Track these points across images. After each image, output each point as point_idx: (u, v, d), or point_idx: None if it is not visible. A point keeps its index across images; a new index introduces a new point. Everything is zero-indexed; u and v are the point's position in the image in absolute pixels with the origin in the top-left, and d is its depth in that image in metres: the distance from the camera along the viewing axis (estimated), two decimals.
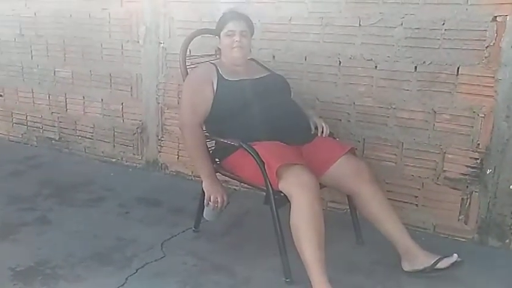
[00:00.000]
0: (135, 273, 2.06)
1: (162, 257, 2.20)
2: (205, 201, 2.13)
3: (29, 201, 2.75)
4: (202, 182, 2.14)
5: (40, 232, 2.40)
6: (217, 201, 2.09)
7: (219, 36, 2.24)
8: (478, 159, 2.31)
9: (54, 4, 3.43)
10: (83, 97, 3.51)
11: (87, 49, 3.40)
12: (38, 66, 3.67)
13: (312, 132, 2.21)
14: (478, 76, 2.23)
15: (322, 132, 2.21)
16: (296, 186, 1.85)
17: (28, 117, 3.85)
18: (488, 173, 2.29)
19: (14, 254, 2.18)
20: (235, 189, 2.92)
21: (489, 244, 2.35)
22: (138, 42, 3.16)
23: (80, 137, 3.61)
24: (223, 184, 2.18)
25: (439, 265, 1.98)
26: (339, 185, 2.12)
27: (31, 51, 3.68)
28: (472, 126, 2.28)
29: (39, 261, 2.12)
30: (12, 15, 3.68)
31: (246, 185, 2.41)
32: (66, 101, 3.61)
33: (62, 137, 3.70)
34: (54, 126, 3.72)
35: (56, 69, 3.59)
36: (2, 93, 3.94)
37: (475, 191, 2.34)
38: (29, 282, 1.97)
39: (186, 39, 2.42)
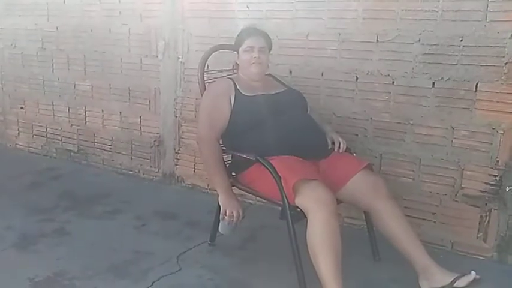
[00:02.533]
0: (150, 286, 2.07)
1: (178, 270, 2.21)
2: (220, 215, 2.14)
3: (47, 213, 2.79)
4: (218, 195, 2.15)
5: (58, 243, 2.43)
6: (233, 215, 2.10)
7: (238, 52, 2.27)
8: (497, 176, 2.28)
9: (76, 19, 3.51)
10: (102, 110, 3.57)
11: (106, 63, 3.47)
12: (58, 79, 3.74)
13: (329, 148, 2.21)
14: (497, 93, 2.21)
15: (339, 147, 2.21)
16: (313, 202, 1.84)
17: (48, 129, 3.92)
18: (507, 190, 2.26)
19: (32, 265, 2.21)
20: (250, 203, 2.92)
21: (508, 262, 2.31)
22: (157, 57, 3.21)
23: (98, 149, 3.66)
24: (238, 198, 2.19)
25: (457, 284, 1.94)
26: (356, 201, 2.11)
27: (52, 64, 3.76)
28: (491, 143, 2.26)
29: (57, 272, 2.14)
30: (35, 29, 3.77)
31: (261, 199, 2.41)
32: (85, 114, 3.67)
33: (81, 149, 3.76)
34: (74, 139, 3.78)
35: (76, 83, 3.66)
36: (23, 106, 4.03)
37: (494, 209, 2.31)
38: None
39: (205, 54, 2.46)
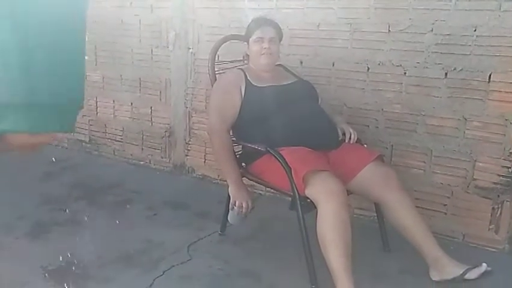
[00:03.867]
0: (161, 275, 2.09)
1: (188, 260, 2.22)
2: (230, 205, 2.15)
3: (60, 202, 2.82)
4: (228, 186, 2.16)
5: (71, 232, 2.46)
6: (242, 206, 2.10)
7: (248, 42, 2.26)
8: (509, 167, 2.26)
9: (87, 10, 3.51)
10: (113, 101, 3.59)
11: (117, 54, 3.48)
12: None
13: (340, 139, 2.20)
14: (510, 83, 2.18)
15: (350, 138, 2.20)
16: (323, 193, 1.84)
17: None
18: None
19: (45, 253, 2.24)
20: (260, 193, 2.93)
21: None
22: (168, 47, 3.21)
23: (109, 140, 3.69)
24: (248, 189, 2.19)
25: (468, 275, 1.94)
26: (367, 192, 2.10)
27: None
28: (504, 134, 2.24)
29: (69, 261, 2.17)
30: None
31: (271, 190, 2.42)
32: (96, 105, 3.69)
33: (92, 140, 3.78)
34: (85, 129, 3.80)
35: (87, 73, 3.67)
36: None
37: (507, 200, 2.29)
38: (60, 281, 2.02)
39: (215, 45, 2.45)
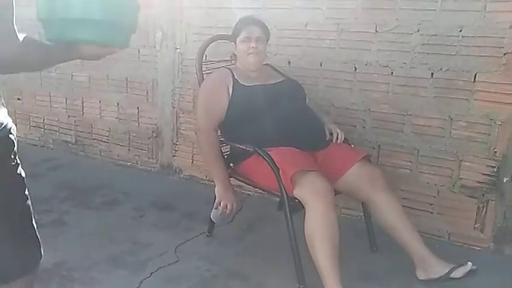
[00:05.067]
0: (149, 277, 2.08)
1: (176, 261, 2.21)
2: (215, 204, 2.15)
3: (45, 204, 2.79)
4: (215, 186, 2.15)
5: (56, 234, 2.43)
6: (226, 207, 2.11)
7: (235, 42, 2.25)
8: (494, 167, 2.28)
9: None
10: (99, 101, 3.56)
11: None
12: (56, 70, 3.71)
13: (327, 139, 2.21)
14: (495, 83, 2.20)
15: (337, 138, 2.20)
16: (311, 193, 1.85)
17: (45, 120, 3.91)
18: (505, 181, 2.26)
19: None
20: (248, 194, 2.92)
21: (505, 253, 2.32)
22: (155, 47, 3.19)
23: (95, 141, 3.65)
24: (236, 189, 2.19)
25: (454, 274, 1.96)
26: (353, 192, 2.11)
27: None
28: (489, 134, 2.26)
29: (55, 263, 2.14)
30: (33, 19, 3.73)
31: (259, 191, 2.41)
32: (82, 105, 3.65)
33: (78, 141, 3.75)
34: (71, 130, 3.77)
35: (73, 74, 3.64)
36: (20, 97, 4.01)
37: (492, 200, 2.31)
38: (45, 283, 1.99)
39: (203, 45, 2.44)
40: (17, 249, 1.25)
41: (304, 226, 1.85)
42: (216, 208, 2.15)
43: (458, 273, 1.96)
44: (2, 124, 1.09)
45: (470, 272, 1.96)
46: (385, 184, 2.06)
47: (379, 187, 2.04)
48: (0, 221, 1.19)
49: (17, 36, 1.00)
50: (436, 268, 1.98)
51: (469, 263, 1.98)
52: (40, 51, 1.07)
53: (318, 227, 1.81)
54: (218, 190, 2.13)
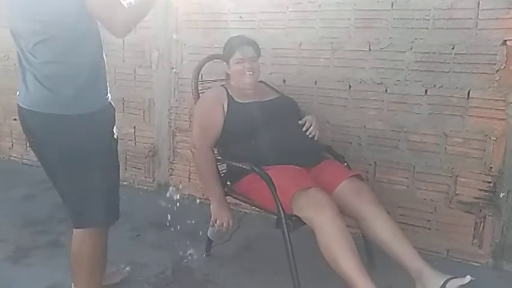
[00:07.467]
0: None
1: (173, 282, 2.19)
2: (211, 222, 2.18)
3: (42, 225, 2.77)
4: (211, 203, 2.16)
5: (53, 255, 2.41)
6: (222, 225, 2.12)
7: (228, 63, 2.27)
8: (490, 182, 2.29)
9: None
10: None
11: None
12: None
13: (321, 154, 2.21)
14: (489, 99, 2.23)
15: (308, 128, 2.19)
16: (314, 208, 1.84)
17: None
18: (501, 196, 2.27)
19: (27, 278, 2.19)
20: (246, 212, 2.91)
21: (504, 268, 2.32)
22: (151, 67, 3.21)
23: None
24: (233, 208, 2.19)
25: (449, 285, 1.92)
26: (344, 208, 2.08)
27: None
28: (484, 150, 2.28)
29: (51, 285, 2.13)
30: None
31: (257, 209, 2.41)
32: None
33: None
34: None
35: None
36: (16, 118, 3.99)
37: (489, 215, 2.32)
38: None
39: (198, 65, 2.46)
40: (115, 201, 1.92)
41: (318, 245, 1.82)
42: (212, 226, 2.18)
43: (452, 284, 1.93)
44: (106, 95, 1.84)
45: (467, 285, 1.94)
46: (373, 197, 2.04)
47: (366, 201, 2.02)
48: (103, 175, 1.75)
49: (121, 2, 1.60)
50: (433, 280, 1.95)
51: (468, 276, 1.96)
52: (135, 6, 1.64)
53: (331, 238, 1.79)
54: (213, 208, 2.15)
